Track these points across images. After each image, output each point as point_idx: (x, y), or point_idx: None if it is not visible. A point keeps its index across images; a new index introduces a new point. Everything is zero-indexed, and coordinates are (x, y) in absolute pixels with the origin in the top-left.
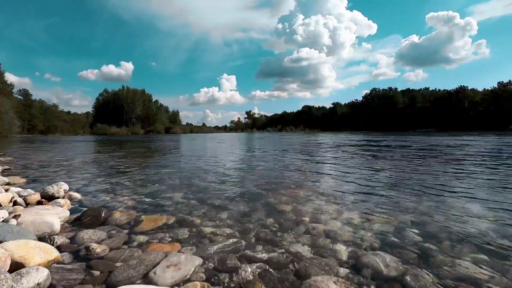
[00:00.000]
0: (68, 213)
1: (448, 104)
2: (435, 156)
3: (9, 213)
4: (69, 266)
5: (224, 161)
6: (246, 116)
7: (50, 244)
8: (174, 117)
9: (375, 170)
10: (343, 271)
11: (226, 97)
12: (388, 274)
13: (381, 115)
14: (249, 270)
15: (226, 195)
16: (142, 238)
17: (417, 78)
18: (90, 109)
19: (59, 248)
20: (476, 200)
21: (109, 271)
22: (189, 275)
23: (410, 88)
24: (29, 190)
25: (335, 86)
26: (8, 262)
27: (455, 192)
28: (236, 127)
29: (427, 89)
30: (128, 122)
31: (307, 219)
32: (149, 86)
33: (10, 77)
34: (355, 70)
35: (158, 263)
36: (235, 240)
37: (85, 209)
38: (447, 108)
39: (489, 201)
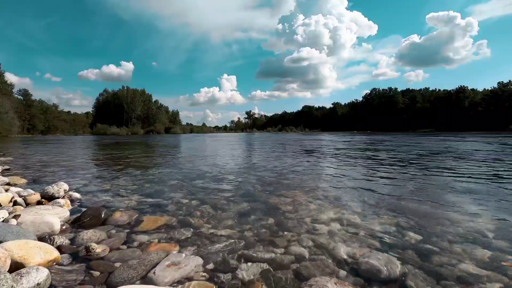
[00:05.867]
0: (68, 213)
1: (448, 104)
2: (435, 157)
3: (9, 213)
4: (69, 267)
5: (224, 161)
6: (246, 116)
7: (50, 244)
8: (174, 117)
9: (375, 171)
10: (343, 271)
11: (227, 97)
12: (388, 274)
13: (381, 115)
14: (249, 270)
15: (226, 195)
16: (142, 238)
17: (417, 78)
18: (90, 109)
19: (59, 248)
20: (476, 200)
21: (109, 272)
22: (189, 275)
23: (410, 88)
24: (29, 190)
25: (335, 86)
26: (8, 262)
27: (455, 192)
28: (236, 127)
29: (427, 89)
30: (128, 122)
31: (307, 219)
32: (149, 86)
33: (10, 77)
34: (355, 70)
35: (158, 263)
36: (235, 240)
37: (85, 209)
38: (447, 108)
39: (489, 201)
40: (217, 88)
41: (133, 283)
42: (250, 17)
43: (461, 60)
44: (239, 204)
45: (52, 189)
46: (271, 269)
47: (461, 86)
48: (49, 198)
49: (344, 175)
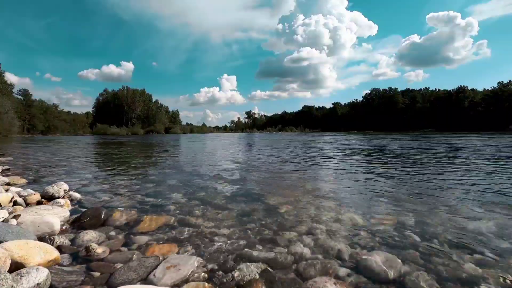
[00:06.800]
0: (68, 213)
1: (448, 104)
2: (435, 157)
3: (9, 213)
4: (69, 267)
5: (224, 161)
6: (246, 116)
7: (50, 244)
8: (174, 117)
9: (375, 171)
10: (343, 271)
11: (227, 97)
12: (388, 274)
13: (381, 115)
14: (249, 270)
15: (226, 195)
16: (142, 239)
17: (417, 78)
18: (90, 109)
19: (59, 248)
20: (476, 200)
21: (109, 273)
22: (189, 276)
23: (410, 88)
24: (29, 190)
25: (335, 86)
26: (8, 262)
27: (455, 193)
28: (236, 127)
29: (427, 89)
30: (128, 122)
31: (308, 219)
32: (149, 86)
33: (10, 77)
34: (355, 70)
35: (158, 264)
36: (235, 240)
37: (85, 209)
38: (447, 108)
39: (489, 201)
40: (217, 88)
41: (134, 284)
42: (250, 17)
43: (461, 60)
44: (239, 203)
45: (52, 189)
46: (271, 269)
47: (461, 86)
48: (49, 198)
49: (344, 176)
